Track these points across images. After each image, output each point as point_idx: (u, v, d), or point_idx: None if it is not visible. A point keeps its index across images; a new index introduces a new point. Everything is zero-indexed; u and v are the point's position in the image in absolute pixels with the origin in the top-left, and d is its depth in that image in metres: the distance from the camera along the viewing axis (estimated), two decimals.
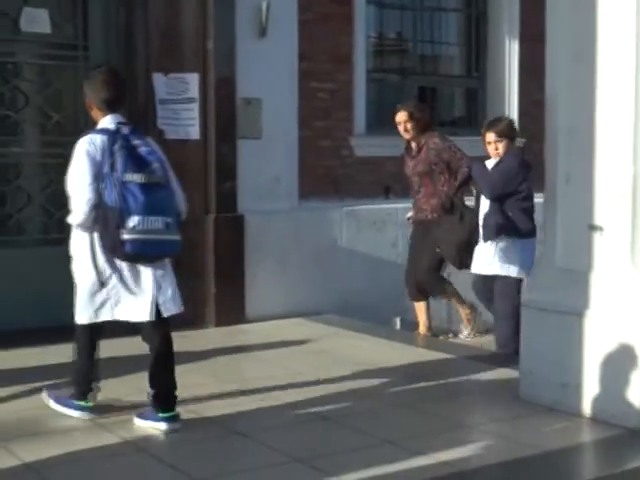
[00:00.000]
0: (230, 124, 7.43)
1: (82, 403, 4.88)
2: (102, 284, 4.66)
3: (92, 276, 4.67)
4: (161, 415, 4.70)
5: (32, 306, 7.02)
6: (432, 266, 7.20)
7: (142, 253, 4.55)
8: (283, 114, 7.68)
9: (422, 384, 5.73)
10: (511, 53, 9.21)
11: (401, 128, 7.19)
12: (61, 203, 7.50)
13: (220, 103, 7.37)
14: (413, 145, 7.24)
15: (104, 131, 4.66)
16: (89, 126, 7.32)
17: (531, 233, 6.58)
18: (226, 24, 7.41)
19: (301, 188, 7.87)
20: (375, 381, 5.81)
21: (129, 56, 7.51)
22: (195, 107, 7.35)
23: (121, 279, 4.66)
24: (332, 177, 8.04)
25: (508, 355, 6.34)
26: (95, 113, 4.83)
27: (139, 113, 7.48)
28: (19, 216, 7.38)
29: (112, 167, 4.51)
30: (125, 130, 4.65)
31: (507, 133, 6.63)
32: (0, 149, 7.26)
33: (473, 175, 6.76)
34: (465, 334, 7.49)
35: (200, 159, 7.33)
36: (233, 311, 7.34)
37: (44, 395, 5.07)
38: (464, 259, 6.90)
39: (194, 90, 7.35)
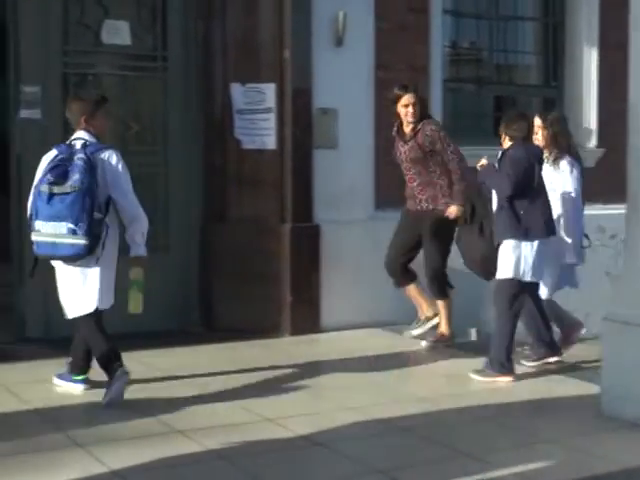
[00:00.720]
0: (306, 134, 7.47)
1: (76, 377, 5.62)
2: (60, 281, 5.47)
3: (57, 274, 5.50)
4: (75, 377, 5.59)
5: (108, 314, 7.09)
6: (442, 266, 6.98)
7: (42, 253, 5.33)
8: (359, 124, 7.69)
9: (502, 397, 5.67)
10: (590, 62, 9.07)
11: (410, 110, 6.84)
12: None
13: (296, 113, 7.41)
14: (408, 130, 6.94)
15: (60, 145, 5.45)
16: (167, 136, 7.54)
17: (543, 233, 6.13)
18: (303, 34, 7.46)
19: (377, 198, 7.87)
20: (453, 393, 5.78)
21: (207, 67, 7.58)
22: (272, 117, 7.41)
23: (64, 278, 5.44)
24: None
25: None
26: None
27: (216, 123, 7.58)
28: None
29: (41, 179, 5.30)
30: (78, 145, 5.34)
31: (503, 130, 6.27)
32: None
33: (481, 179, 6.40)
34: (415, 333, 7.16)
35: (276, 169, 7.37)
36: (308, 320, 7.36)
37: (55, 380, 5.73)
38: (489, 271, 6.49)
39: (271, 100, 7.41)
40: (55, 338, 6.79)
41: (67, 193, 5.17)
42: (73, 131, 5.53)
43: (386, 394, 5.72)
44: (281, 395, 5.67)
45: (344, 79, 7.58)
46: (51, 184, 5.19)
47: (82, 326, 5.50)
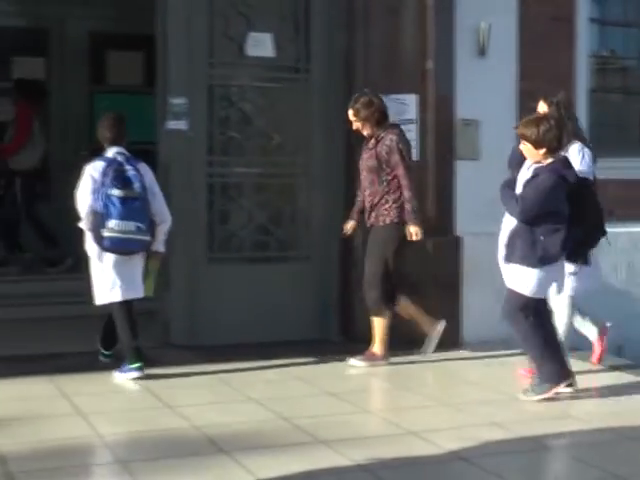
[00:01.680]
0: (448, 145, 7.40)
1: (131, 365, 6.12)
2: (103, 272, 6.15)
3: (97, 266, 6.18)
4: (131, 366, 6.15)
5: (250, 322, 7.19)
6: (380, 273, 6.65)
7: (115, 247, 6.06)
8: (502, 135, 7.52)
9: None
10: None
11: (353, 127, 6.83)
12: (281, 222, 7.72)
13: (439, 124, 7.37)
14: (373, 140, 6.76)
15: (105, 158, 6.24)
16: (309, 147, 7.58)
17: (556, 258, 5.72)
18: (445, 44, 7.41)
19: None
20: (600, 410, 5.61)
21: (349, 78, 7.58)
22: (414, 128, 7.36)
23: (114, 268, 6.11)
24: None
25: None
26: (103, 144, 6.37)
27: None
28: (240, 234, 7.58)
29: (103, 184, 6.06)
30: (120, 158, 6.19)
31: (529, 138, 5.66)
32: (224, 169, 7.50)
33: (502, 201, 6.00)
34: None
35: (418, 180, 7.30)
36: (448, 335, 7.24)
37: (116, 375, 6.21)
38: None
39: (413, 111, 7.37)
40: (199, 345, 6.92)
41: (135, 198, 6.07)
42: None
43: (530, 411, 5.58)
44: (423, 408, 5.63)
45: (487, 90, 7.48)
46: (121, 189, 6.03)
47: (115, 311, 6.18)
